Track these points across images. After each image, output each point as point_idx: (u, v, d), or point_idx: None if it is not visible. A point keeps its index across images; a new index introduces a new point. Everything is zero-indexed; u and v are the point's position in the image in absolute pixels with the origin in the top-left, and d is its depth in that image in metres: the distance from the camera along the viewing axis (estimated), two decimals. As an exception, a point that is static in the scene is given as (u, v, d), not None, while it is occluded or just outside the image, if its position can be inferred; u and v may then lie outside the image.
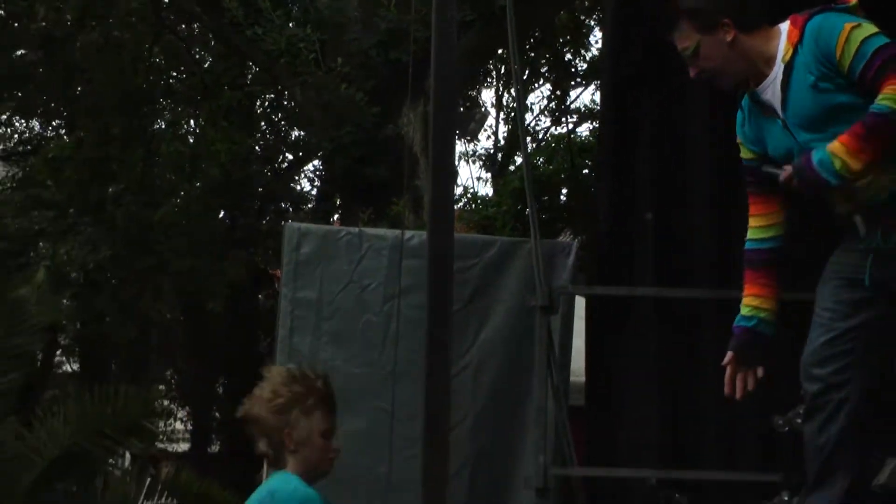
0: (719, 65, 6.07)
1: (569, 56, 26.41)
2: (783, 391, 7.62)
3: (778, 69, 5.91)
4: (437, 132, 9.98)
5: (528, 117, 25.97)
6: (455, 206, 10.85)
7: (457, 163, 19.54)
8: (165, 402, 29.55)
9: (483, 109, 28.02)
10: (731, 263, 9.22)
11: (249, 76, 24.55)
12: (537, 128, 27.13)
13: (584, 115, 26.74)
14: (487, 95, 27.75)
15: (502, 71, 25.60)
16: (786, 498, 6.93)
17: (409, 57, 14.51)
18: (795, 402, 7.22)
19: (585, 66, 26.18)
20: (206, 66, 24.79)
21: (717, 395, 9.16)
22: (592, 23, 24.57)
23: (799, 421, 7.19)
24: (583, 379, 10.07)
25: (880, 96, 5.52)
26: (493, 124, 28.87)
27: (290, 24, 20.37)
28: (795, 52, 5.82)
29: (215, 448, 30.27)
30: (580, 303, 10.23)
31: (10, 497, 13.21)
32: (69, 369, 31.22)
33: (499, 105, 28.43)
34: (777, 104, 5.92)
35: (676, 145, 9.60)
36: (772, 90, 5.96)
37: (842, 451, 5.86)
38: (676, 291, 9.39)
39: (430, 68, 9.65)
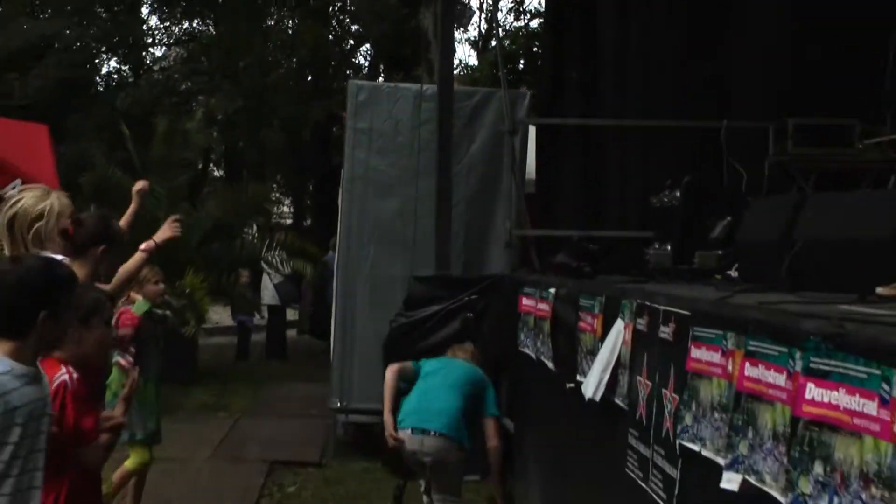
0: None
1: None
2: (656, 181, 7.59)
3: None
4: (443, 24, 9.91)
5: (500, 15, 25.62)
6: (453, 72, 10.72)
7: (455, 43, 19.66)
8: (277, 195, 29.95)
9: (471, 9, 27.74)
10: (629, 104, 9.17)
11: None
12: (505, 22, 26.73)
13: (535, 13, 26.40)
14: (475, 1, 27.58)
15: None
16: (657, 246, 6.88)
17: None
18: (664, 189, 7.19)
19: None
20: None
21: (618, 185, 9.19)
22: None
23: (665, 199, 7.16)
24: (534, 177, 10.04)
25: None
26: (478, 20, 28.61)
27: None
28: None
29: (308, 222, 30.43)
30: (532, 130, 10.15)
31: (185, 251, 13.32)
32: (217, 174, 31.66)
33: (481, 7, 28.19)
34: None
35: (594, 28, 9.47)
36: None
37: None
38: (592, 121, 9.32)
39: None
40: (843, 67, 7.91)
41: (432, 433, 6.70)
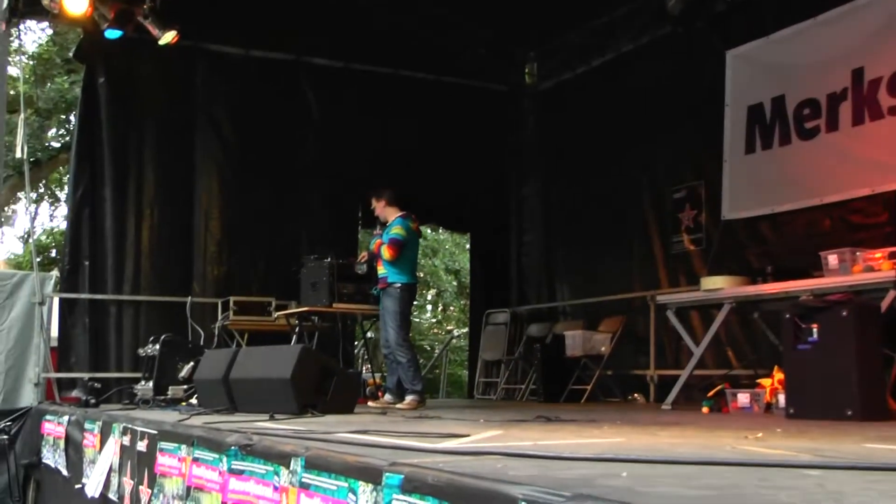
0: None
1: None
2: (145, 338, 7.32)
3: None
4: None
5: (38, 219, 22.32)
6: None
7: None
8: None
9: (16, 213, 23.40)
10: (124, 283, 8.69)
11: None
12: (43, 223, 23.25)
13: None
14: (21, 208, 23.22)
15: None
16: (143, 383, 6.62)
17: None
18: (149, 343, 6.94)
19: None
20: None
21: (116, 341, 8.53)
22: None
23: (150, 351, 6.94)
24: (57, 334, 9.10)
25: None
26: (28, 221, 24.70)
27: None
28: None
29: None
30: (57, 300, 9.32)
31: None
32: None
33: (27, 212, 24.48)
34: None
35: (103, 228, 8.92)
36: None
37: None
38: (97, 296, 8.77)
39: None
40: (265, 264, 8.33)
41: None
